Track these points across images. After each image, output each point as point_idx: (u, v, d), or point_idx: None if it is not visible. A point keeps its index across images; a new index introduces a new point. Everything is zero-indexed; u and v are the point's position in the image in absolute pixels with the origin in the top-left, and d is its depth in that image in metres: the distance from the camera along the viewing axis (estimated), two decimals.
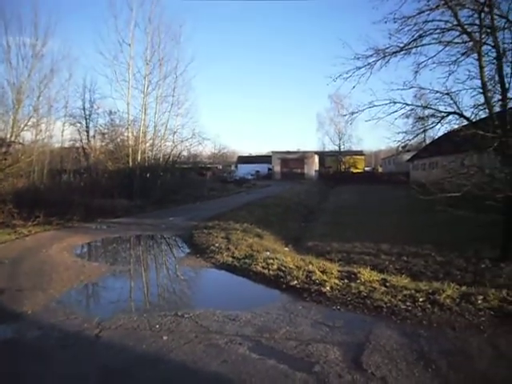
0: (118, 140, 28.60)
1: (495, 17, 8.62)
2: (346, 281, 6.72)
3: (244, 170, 65.05)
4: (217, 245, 10.20)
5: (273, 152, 67.18)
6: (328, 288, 6.41)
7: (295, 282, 6.86)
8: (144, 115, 26.58)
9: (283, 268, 7.62)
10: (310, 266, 7.59)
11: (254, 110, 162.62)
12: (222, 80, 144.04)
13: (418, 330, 4.93)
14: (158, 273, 9.40)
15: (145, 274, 9.03)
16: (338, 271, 7.33)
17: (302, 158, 63.81)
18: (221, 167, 63.43)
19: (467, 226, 11.97)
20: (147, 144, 27.75)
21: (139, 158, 25.90)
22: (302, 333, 4.93)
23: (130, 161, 25.59)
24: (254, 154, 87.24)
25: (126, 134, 27.37)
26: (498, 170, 9.24)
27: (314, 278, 6.89)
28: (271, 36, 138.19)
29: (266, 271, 7.60)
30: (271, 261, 8.13)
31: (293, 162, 63.88)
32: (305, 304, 6.02)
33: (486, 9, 8.53)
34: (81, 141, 33.04)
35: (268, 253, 9.08)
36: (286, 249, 10.76)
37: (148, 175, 25.51)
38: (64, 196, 18.32)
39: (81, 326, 5.29)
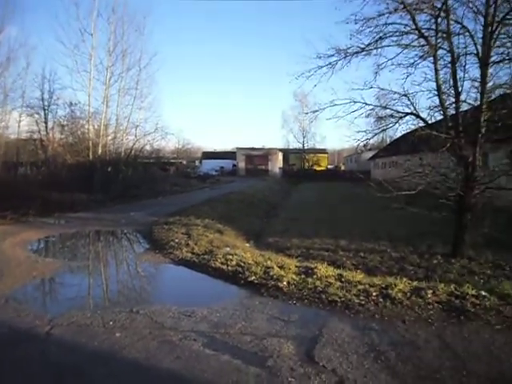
0: (79, 133, 27.73)
1: (451, 22, 8.92)
2: (303, 276, 6.81)
3: (208, 166, 64.66)
4: (176, 240, 10.12)
5: (237, 148, 67.21)
6: (285, 283, 6.49)
7: (253, 277, 6.89)
8: (106, 108, 26.03)
9: (242, 264, 7.65)
10: (269, 262, 7.67)
11: (220, 106, 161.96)
12: (187, 75, 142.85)
13: (370, 324, 5.08)
14: (116, 268, 9.23)
15: (102, 269, 8.87)
16: (296, 267, 7.44)
17: (266, 154, 64.15)
18: (185, 162, 62.78)
19: (422, 224, 12.40)
20: (109, 137, 27.17)
21: (100, 151, 25.30)
22: (258, 328, 4.97)
23: (91, 154, 24.96)
24: (218, 149, 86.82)
25: (86, 127, 26.61)
26: (451, 170, 9.61)
27: (272, 273, 6.95)
28: (236, 33, 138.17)
29: (224, 267, 7.60)
30: (230, 257, 8.15)
31: (257, 158, 64.13)
32: (262, 299, 6.07)
33: (442, 14, 8.81)
34: (39, 132, 31.61)
35: (228, 249, 9.10)
36: (247, 245, 10.80)
37: (109, 169, 24.93)
38: (20, 189, 17.66)
39: (32, 323, 5.12)
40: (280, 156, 67.75)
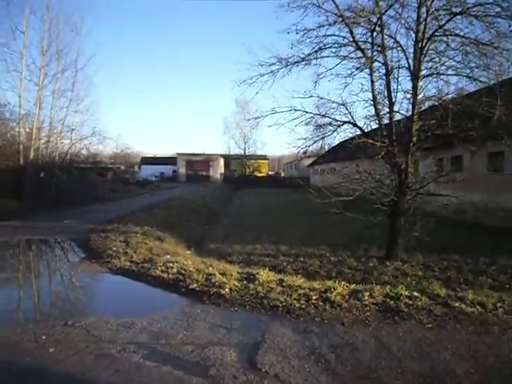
0: (8, 136, 25.92)
1: (385, 36, 9.38)
2: (245, 282, 6.82)
3: (148, 172, 63.32)
4: (114, 249, 9.77)
5: (178, 154, 66.45)
6: (227, 290, 6.45)
7: (195, 285, 6.79)
8: (38, 110, 24.52)
9: (183, 271, 7.52)
10: (211, 269, 7.61)
11: (160, 111, 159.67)
12: (127, 79, 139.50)
13: (311, 327, 5.16)
14: (49, 280, 8.71)
15: (33, 281, 8.34)
16: (238, 273, 7.44)
17: (207, 160, 63.96)
18: (123, 168, 60.99)
19: (358, 228, 12.85)
20: (41, 141, 25.63)
21: (32, 155, 23.82)
22: (200, 337, 4.89)
23: (21, 159, 23.43)
24: (158, 155, 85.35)
25: (17, 130, 24.99)
26: (386, 177, 10.05)
27: (213, 280, 6.89)
28: (177, 39, 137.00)
29: (165, 275, 7.43)
30: (171, 264, 7.99)
31: (198, 164, 63.78)
32: (204, 307, 5.99)
33: (377, 28, 9.23)
34: None
35: (168, 256, 8.92)
36: (188, 252, 10.67)
37: (42, 175, 23.57)
38: None
39: None
40: (221, 162, 67.79)
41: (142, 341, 4.76)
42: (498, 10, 8.10)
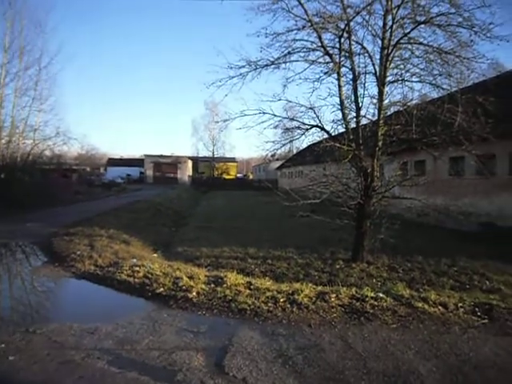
0: None
1: (353, 43, 9.54)
2: (212, 285, 6.77)
3: (114, 173, 62.05)
4: (78, 253, 9.51)
5: (145, 155, 65.63)
6: (194, 294, 6.39)
7: (161, 289, 6.70)
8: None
9: (149, 275, 7.40)
10: (178, 272, 7.51)
11: (128, 111, 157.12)
12: (94, 78, 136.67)
13: (278, 329, 5.18)
14: (9, 284, 8.37)
15: None
16: (206, 276, 7.38)
17: (175, 162, 63.44)
18: (88, 169, 59.62)
19: (325, 231, 13.03)
20: (2, 141, 24.76)
21: None
22: (166, 341, 4.82)
23: None
24: (125, 156, 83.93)
25: None
26: (352, 180, 10.22)
27: (180, 284, 6.81)
28: (145, 39, 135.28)
29: (131, 279, 7.29)
30: (137, 268, 7.84)
31: (166, 166, 63.20)
32: (170, 311, 5.91)
33: (345, 34, 9.37)
34: None
35: (135, 260, 8.77)
36: (155, 255, 10.51)
37: (2, 176, 22.72)
38: None
39: None
40: (189, 164, 67.35)
41: (107, 347, 4.65)
42: (460, 20, 8.39)
